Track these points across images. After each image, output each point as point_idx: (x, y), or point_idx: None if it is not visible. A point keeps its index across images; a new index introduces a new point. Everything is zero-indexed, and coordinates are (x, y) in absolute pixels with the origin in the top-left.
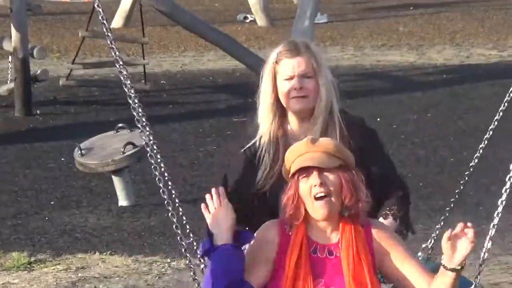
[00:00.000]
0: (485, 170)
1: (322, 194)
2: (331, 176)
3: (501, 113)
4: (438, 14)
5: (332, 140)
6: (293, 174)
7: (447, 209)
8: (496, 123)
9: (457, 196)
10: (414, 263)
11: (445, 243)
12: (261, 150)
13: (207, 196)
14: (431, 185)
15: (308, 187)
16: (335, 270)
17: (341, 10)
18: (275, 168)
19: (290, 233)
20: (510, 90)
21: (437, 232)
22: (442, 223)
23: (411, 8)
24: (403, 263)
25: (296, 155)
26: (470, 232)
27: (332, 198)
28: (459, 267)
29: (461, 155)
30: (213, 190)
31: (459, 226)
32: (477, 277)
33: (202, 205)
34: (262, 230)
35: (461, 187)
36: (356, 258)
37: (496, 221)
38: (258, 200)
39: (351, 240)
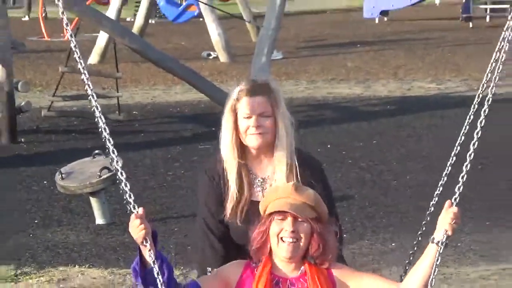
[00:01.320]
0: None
1: (291, 240)
2: (304, 225)
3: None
4: (382, 51)
5: (315, 193)
6: (270, 214)
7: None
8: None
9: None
10: (375, 277)
11: (440, 218)
12: (228, 184)
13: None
14: (376, 205)
15: (279, 229)
16: None
17: (295, 47)
18: (239, 203)
19: (255, 270)
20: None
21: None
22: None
23: (358, 45)
24: (364, 281)
25: (277, 197)
26: (449, 213)
27: (300, 243)
28: (441, 240)
29: (404, 178)
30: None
31: (448, 206)
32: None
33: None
34: (230, 263)
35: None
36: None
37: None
38: (223, 233)
39: (316, 273)
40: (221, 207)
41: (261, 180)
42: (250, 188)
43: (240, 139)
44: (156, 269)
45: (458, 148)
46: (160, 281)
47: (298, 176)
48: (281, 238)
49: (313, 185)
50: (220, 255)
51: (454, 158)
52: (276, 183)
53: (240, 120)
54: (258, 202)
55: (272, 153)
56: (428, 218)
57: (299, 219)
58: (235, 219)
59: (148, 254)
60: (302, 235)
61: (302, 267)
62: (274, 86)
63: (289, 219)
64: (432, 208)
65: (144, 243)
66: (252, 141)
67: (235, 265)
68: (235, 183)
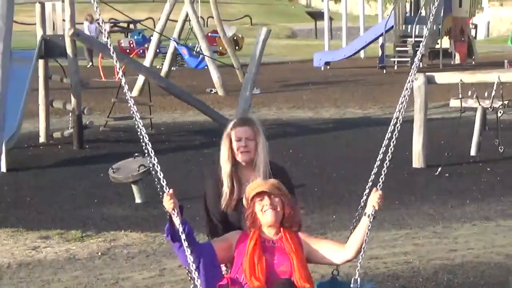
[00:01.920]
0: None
1: (271, 210)
2: (276, 199)
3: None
4: (326, 89)
5: (276, 180)
6: (252, 199)
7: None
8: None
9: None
10: (327, 241)
11: (369, 199)
12: (223, 185)
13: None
14: (321, 190)
15: (261, 206)
16: (278, 252)
17: (268, 86)
18: (232, 198)
19: (250, 233)
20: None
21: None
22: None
23: (310, 85)
24: (320, 242)
25: (255, 187)
26: (375, 196)
27: (277, 211)
28: (370, 213)
29: (341, 172)
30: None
31: (374, 190)
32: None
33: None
34: (232, 232)
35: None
36: (295, 245)
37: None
38: (222, 217)
39: (290, 235)
40: (219, 200)
41: (248, 183)
42: (239, 188)
43: (233, 156)
44: (180, 229)
45: (382, 151)
46: (183, 239)
47: (275, 176)
48: (264, 211)
49: (278, 176)
50: (218, 230)
51: (378, 161)
52: None
53: (233, 142)
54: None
55: (251, 165)
56: (362, 203)
57: (272, 196)
58: (229, 209)
59: (175, 220)
60: (277, 205)
61: (280, 232)
62: (255, 120)
63: (266, 197)
64: (365, 195)
65: (173, 212)
66: (242, 156)
67: (235, 232)
68: (227, 185)
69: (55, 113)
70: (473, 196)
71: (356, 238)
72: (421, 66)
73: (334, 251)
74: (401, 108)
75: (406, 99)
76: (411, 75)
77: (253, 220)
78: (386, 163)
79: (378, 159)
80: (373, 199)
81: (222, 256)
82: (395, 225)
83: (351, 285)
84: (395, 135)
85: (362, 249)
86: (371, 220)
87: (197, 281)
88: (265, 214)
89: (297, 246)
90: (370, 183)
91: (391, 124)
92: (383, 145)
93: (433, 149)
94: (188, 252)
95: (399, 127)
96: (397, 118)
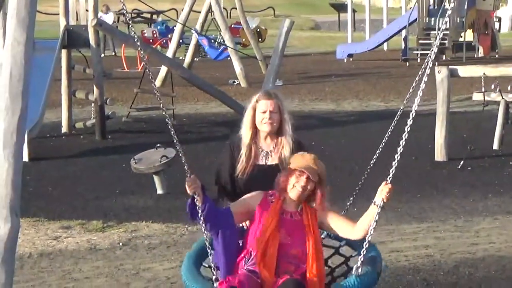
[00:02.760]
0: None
1: (301, 190)
2: (311, 184)
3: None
4: (348, 81)
5: (324, 168)
6: (295, 169)
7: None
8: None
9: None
10: (341, 218)
11: (379, 190)
12: (242, 152)
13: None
14: (343, 183)
15: (296, 180)
16: (294, 229)
17: (291, 77)
18: (248, 164)
19: (271, 202)
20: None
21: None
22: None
23: (333, 77)
24: (335, 217)
25: (305, 163)
26: (385, 189)
27: (305, 192)
28: (379, 204)
29: (362, 165)
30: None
31: (384, 184)
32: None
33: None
34: (253, 194)
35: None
36: (311, 220)
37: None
38: (237, 182)
39: (309, 211)
40: (233, 166)
41: (266, 152)
42: (256, 156)
43: (255, 126)
44: (201, 210)
45: (402, 144)
46: (202, 215)
47: (294, 150)
48: (296, 186)
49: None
50: (227, 193)
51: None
52: (284, 153)
53: (257, 114)
54: (261, 165)
55: (275, 136)
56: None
57: (310, 179)
58: (242, 175)
59: (197, 201)
60: (308, 187)
61: (301, 205)
62: (280, 95)
63: (304, 177)
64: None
65: (194, 195)
66: (265, 127)
67: (256, 195)
68: (245, 153)
69: (77, 104)
70: (495, 190)
71: (364, 223)
72: (444, 59)
73: (345, 228)
74: (417, 99)
75: (421, 89)
76: (425, 65)
77: (283, 186)
78: (397, 157)
79: (398, 150)
80: (383, 192)
81: (240, 219)
82: (416, 218)
83: (354, 268)
84: (409, 127)
85: (369, 233)
86: (379, 210)
87: (214, 245)
88: (294, 189)
89: (314, 222)
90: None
91: (412, 114)
92: (404, 137)
93: (456, 142)
94: (205, 226)
95: (415, 118)
96: (412, 110)
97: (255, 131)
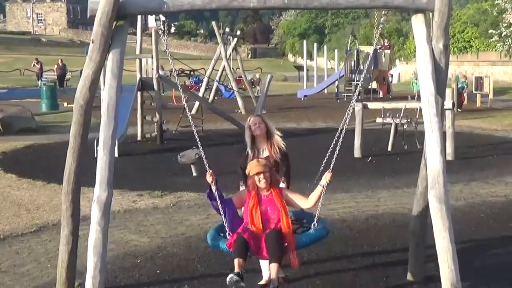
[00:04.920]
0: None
1: (264, 181)
2: (266, 174)
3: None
4: (304, 110)
5: (264, 160)
6: (253, 175)
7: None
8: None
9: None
10: (296, 195)
11: (323, 176)
12: (248, 152)
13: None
14: (298, 171)
15: (258, 179)
16: (270, 203)
17: (271, 108)
18: (254, 156)
19: (252, 193)
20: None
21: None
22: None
23: (295, 108)
24: (294, 195)
25: (254, 167)
26: (328, 175)
27: (268, 181)
28: (324, 184)
29: (311, 159)
30: (208, 173)
31: (327, 172)
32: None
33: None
34: (243, 189)
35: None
36: (279, 197)
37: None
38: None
39: (276, 191)
40: (246, 160)
41: (262, 149)
42: (257, 152)
43: (252, 135)
44: (216, 195)
45: (332, 147)
46: (217, 200)
47: (282, 155)
48: (260, 181)
49: (282, 159)
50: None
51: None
52: (275, 151)
53: (251, 127)
54: (260, 157)
55: (263, 141)
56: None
57: (264, 173)
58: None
59: (213, 188)
60: (266, 177)
61: (270, 190)
62: (263, 115)
63: (261, 175)
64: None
65: (212, 184)
66: (256, 131)
67: (243, 190)
68: (251, 151)
69: (147, 123)
70: (389, 174)
71: (313, 197)
72: (359, 98)
73: (301, 201)
74: (345, 121)
75: (348, 116)
76: (351, 103)
77: (253, 186)
78: (335, 156)
79: (329, 152)
80: (327, 177)
81: (238, 204)
82: (344, 190)
83: (311, 227)
84: (341, 138)
85: (319, 204)
86: (324, 188)
87: (224, 222)
88: (260, 183)
89: (281, 197)
90: (322, 168)
91: (339, 131)
92: (332, 144)
93: (366, 146)
94: (219, 206)
95: (344, 132)
96: (342, 127)
97: (253, 139)
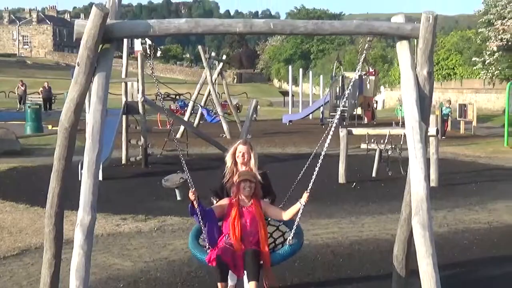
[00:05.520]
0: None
1: (249, 189)
2: (252, 184)
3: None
4: (289, 135)
5: (254, 173)
6: (240, 181)
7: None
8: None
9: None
10: (276, 208)
11: (303, 195)
12: (226, 171)
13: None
14: (283, 192)
15: (243, 186)
16: (250, 215)
17: (256, 133)
18: (233, 182)
19: (233, 201)
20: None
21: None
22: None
23: (280, 133)
24: (273, 209)
25: (243, 174)
26: (306, 195)
27: (252, 190)
28: (302, 203)
29: (294, 182)
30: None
31: (305, 192)
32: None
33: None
34: (224, 199)
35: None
36: (258, 209)
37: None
38: (226, 190)
39: (257, 204)
40: (222, 181)
41: (236, 177)
42: (235, 174)
43: (235, 159)
44: (197, 211)
45: (316, 171)
46: (198, 214)
47: (262, 177)
48: (244, 188)
49: (263, 178)
50: (219, 196)
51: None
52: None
53: (237, 152)
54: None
55: (245, 166)
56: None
57: (250, 181)
58: (229, 183)
59: (195, 205)
60: (251, 186)
61: (251, 201)
62: (250, 142)
63: (248, 182)
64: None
65: (194, 202)
66: (239, 160)
67: (225, 199)
68: (229, 172)
69: (131, 146)
70: (373, 199)
71: (290, 211)
72: (344, 124)
73: (278, 214)
74: (324, 146)
75: (327, 141)
76: (330, 127)
77: (236, 193)
78: (313, 177)
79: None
80: (304, 197)
81: (218, 214)
82: (328, 216)
83: (287, 243)
84: (320, 162)
85: (296, 221)
86: (302, 206)
87: (205, 236)
88: (245, 190)
89: (260, 210)
90: (294, 185)
91: (315, 156)
92: (312, 167)
93: (351, 172)
94: (200, 219)
95: (323, 158)
96: (321, 152)
97: (235, 162)
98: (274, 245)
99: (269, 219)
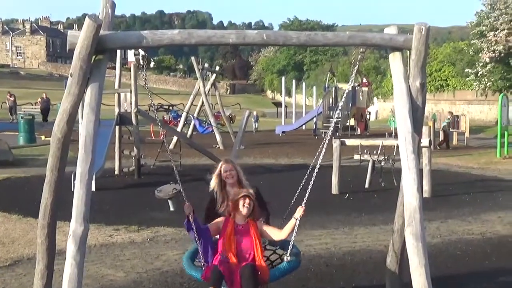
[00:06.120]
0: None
1: (248, 206)
2: (250, 201)
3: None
4: (282, 146)
5: (252, 192)
6: (238, 198)
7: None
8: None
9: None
10: (272, 228)
11: (297, 210)
12: (217, 199)
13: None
14: (276, 204)
15: (242, 203)
16: (245, 234)
17: (249, 144)
18: (223, 204)
19: (229, 219)
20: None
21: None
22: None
23: (273, 144)
24: (268, 228)
25: (241, 192)
26: (301, 210)
27: (250, 208)
28: (297, 218)
29: (287, 195)
30: (186, 205)
31: (300, 207)
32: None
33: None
34: (220, 218)
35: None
36: (254, 229)
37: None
38: (214, 214)
39: (253, 223)
40: (215, 204)
41: (232, 195)
42: (227, 198)
43: (222, 181)
44: (193, 225)
45: (305, 184)
46: (194, 230)
47: (256, 194)
48: (243, 206)
49: (256, 196)
50: (209, 219)
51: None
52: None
53: (222, 174)
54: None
55: (236, 186)
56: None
57: (249, 199)
58: (220, 209)
59: (190, 219)
60: (250, 204)
61: (247, 220)
62: (234, 161)
63: (247, 199)
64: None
65: (189, 215)
66: (229, 180)
67: (221, 218)
68: (219, 198)
69: (125, 157)
70: (366, 211)
71: (286, 229)
72: (338, 134)
73: (274, 232)
74: (319, 158)
75: (322, 151)
76: (324, 140)
77: (232, 210)
78: (308, 191)
79: (302, 188)
80: (299, 211)
81: (214, 232)
82: (321, 227)
83: (285, 259)
84: (315, 174)
85: (293, 236)
86: (297, 222)
87: (200, 253)
88: (244, 207)
89: (256, 229)
90: (293, 201)
91: (311, 167)
92: (307, 180)
93: (344, 182)
94: (195, 235)
95: (318, 169)
96: (316, 163)
97: (223, 184)
98: (272, 266)
99: (265, 244)
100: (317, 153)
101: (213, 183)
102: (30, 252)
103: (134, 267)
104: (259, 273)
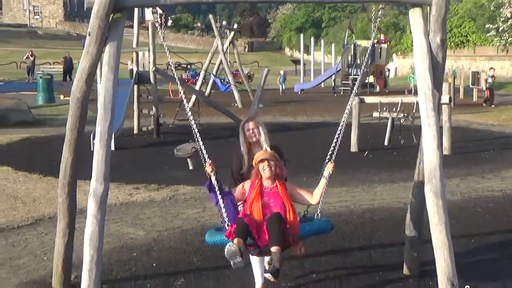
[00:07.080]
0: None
1: (268, 169)
2: (271, 162)
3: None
4: (301, 104)
5: (272, 151)
6: (258, 162)
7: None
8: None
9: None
10: (303, 191)
11: (325, 167)
12: (243, 155)
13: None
14: (297, 164)
15: (262, 166)
16: (274, 195)
17: (267, 102)
18: (249, 164)
19: (255, 183)
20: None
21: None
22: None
23: (292, 102)
24: (299, 190)
25: (260, 155)
26: (330, 166)
27: (272, 169)
28: (326, 176)
29: (308, 153)
30: (208, 163)
31: (330, 163)
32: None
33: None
34: (245, 182)
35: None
36: (284, 191)
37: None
38: (239, 174)
39: (281, 184)
40: (240, 163)
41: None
42: (252, 156)
43: (247, 140)
44: (215, 185)
45: (334, 141)
46: (217, 191)
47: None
48: (264, 169)
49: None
50: (236, 181)
51: (332, 146)
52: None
53: (245, 131)
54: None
55: (258, 144)
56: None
57: (269, 160)
58: (245, 169)
59: (213, 179)
60: (271, 166)
61: (275, 182)
62: (257, 117)
63: (266, 161)
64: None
65: (211, 174)
66: (251, 139)
67: (247, 181)
68: (246, 158)
69: (143, 116)
70: (385, 168)
71: (318, 192)
72: (356, 92)
73: (306, 196)
74: (346, 117)
75: (348, 111)
76: (351, 99)
77: (257, 174)
78: (337, 147)
79: (332, 145)
80: (329, 168)
81: (238, 198)
82: (341, 184)
83: (315, 217)
84: (342, 131)
85: (321, 197)
86: (327, 180)
87: (223, 214)
88: (264, 171)
89: (286, 191)
90: (327, 160)
91: (340, 125)
92: (334, 137)
93: (363, 140)
94: (218, 198)
95: (341, 127)
96: (343, 122)
97: (248, 143)
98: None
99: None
100: (344, 115)
101: (241, 143)
102: (51, 211)
103: (154, 226)
104: (288, 226)
